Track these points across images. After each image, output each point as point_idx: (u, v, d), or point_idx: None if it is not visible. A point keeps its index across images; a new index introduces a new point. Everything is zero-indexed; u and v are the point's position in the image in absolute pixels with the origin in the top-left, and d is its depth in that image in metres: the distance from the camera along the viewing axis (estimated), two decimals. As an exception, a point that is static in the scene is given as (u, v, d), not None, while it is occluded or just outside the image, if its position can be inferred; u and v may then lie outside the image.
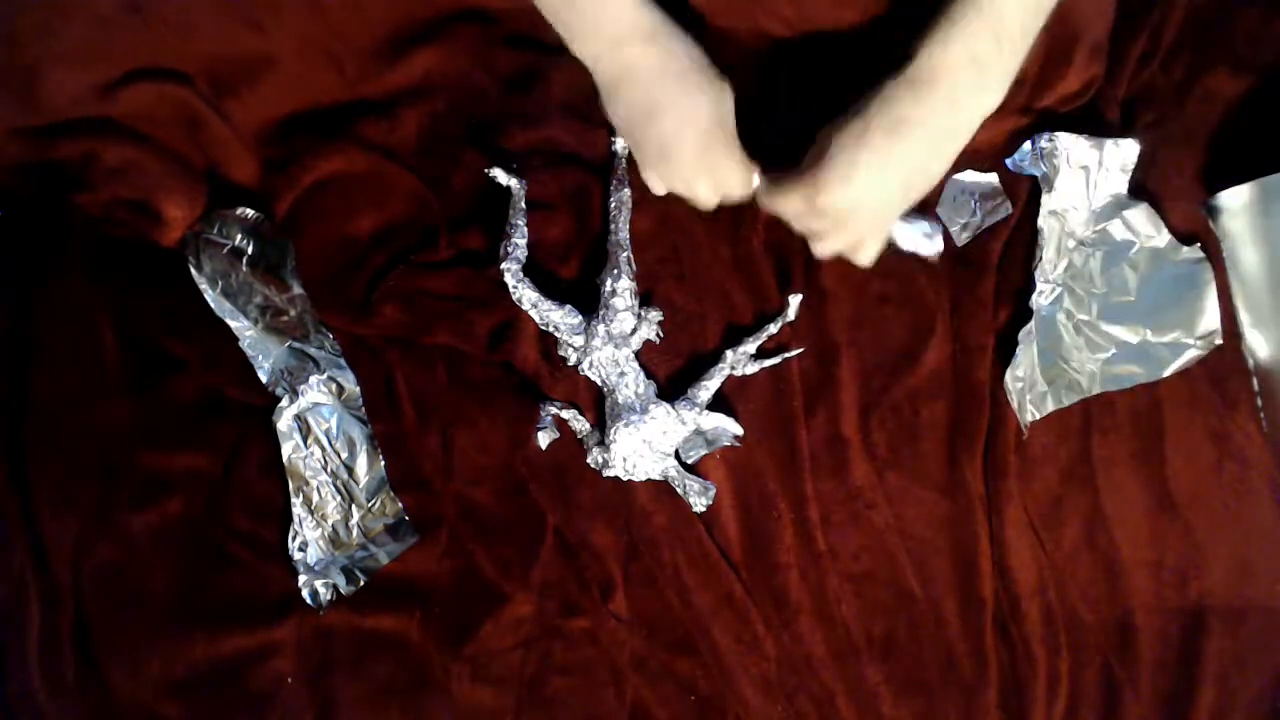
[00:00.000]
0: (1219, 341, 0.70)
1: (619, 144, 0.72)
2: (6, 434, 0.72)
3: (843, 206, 0.57)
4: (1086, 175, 0.71)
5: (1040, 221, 0.70)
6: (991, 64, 0.55)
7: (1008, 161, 0.72)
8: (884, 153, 0.55)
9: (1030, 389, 0.70)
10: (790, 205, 0.60)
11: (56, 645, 0.70)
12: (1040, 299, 0.70)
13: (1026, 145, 0.71)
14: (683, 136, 0.59)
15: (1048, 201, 0.71)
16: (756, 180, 0.63)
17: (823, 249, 0.62)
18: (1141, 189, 0.72)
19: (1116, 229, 0.71)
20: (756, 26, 0.69)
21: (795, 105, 0.68)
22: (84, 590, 0.71)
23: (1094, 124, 0.71)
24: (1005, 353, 0.70)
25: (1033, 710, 0.69)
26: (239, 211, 0.73)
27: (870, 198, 0.57)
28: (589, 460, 0.71)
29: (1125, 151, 0.70)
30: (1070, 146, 0.70)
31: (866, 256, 0.62)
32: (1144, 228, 0.71)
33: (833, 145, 0.56)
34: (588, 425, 0.71)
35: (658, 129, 0.59)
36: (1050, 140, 0.70)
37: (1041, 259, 0.70)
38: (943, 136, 0.57)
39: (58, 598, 0.71)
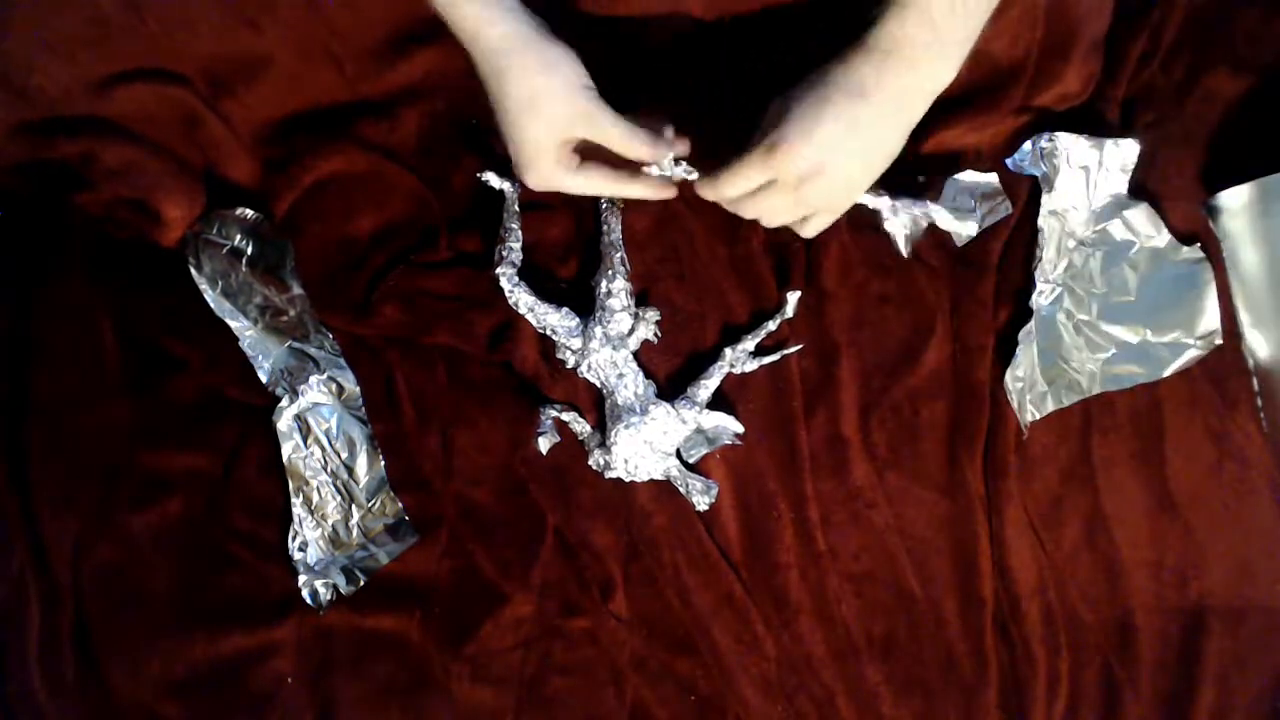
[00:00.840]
0: (1219, 342, 0.70)
1: None
2: (6, 434, 0.72)
3: (805, 168, 0.56)
4: (1086, 175, 0.71)
5: (1040, 221, 0.70)
6: (949, 32, 0.54)
7: (1008, 161, 0.72)
8: (847, 118, 0.55)
9: (1030, 389, 0.70)
10: (746, 177, 0.58)
11: (56, 645, 0.70)
12: (1040, 299, 0.70)
13: (1027, 145, 0.71)
14: (528, 127, 0.57)
15: (1048, 201, 0.71)
16: (684, 168, 0.62)
17: (774, 219, 0.61)
18: (1141, 189, 0.72)
19: (1116, 229, 0.71)
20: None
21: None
22: (84, 590, 0.71)
23: (1094, 124, 0.71)
24: (1005, 353, 0.70)
25: (1033, 710, 0.69)
26: (238, 212, 0.73)
27: (833, 161, 0.56)
28: (590, 462, 0.71)
29: (1125, 151, 0.70)
30: (1070, 146, 0.70)
31: (814, 228, 0.62)
32: (1144, 228, 0.71)
33: (792, 110, 0.56)
34: (588, 427, 0.71)
35: (504, 127, 0.58)
36: (1050, 140, 0.70)
37: (1041, 259, 0.70)
38: (902, 106, 0.57)
39: (58, 598, 0.71)
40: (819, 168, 0.56)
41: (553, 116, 0.57)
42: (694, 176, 0.62)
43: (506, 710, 0.70)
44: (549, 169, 0.59)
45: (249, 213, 0.73)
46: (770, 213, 0.61)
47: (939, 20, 0.54)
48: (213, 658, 0.70)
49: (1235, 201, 0.70)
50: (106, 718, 0.70)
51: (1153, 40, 0.73)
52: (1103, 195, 0.71)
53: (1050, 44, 0.69)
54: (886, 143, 0.58)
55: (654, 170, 0.62)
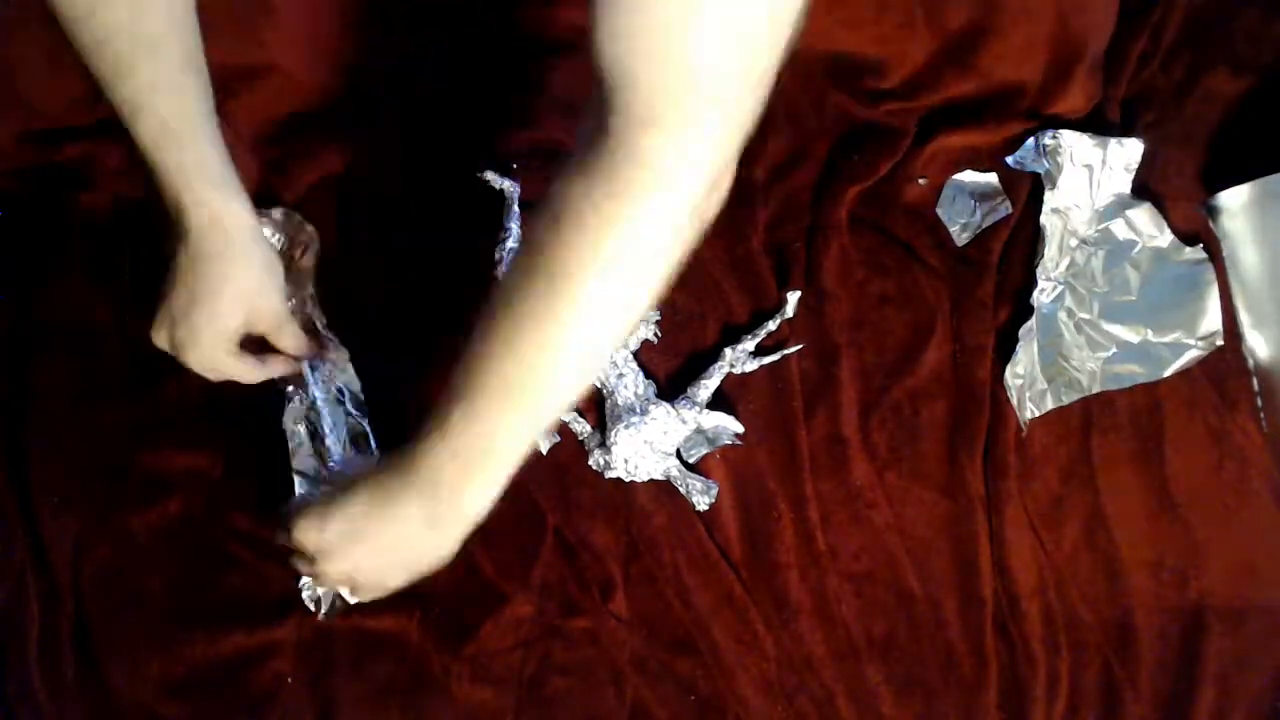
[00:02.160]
0: (1220, 343, 0.70)
1: None
2: (6, 434, 0.72)
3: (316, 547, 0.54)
4: (1090, 174, 0.71)
5: (1043, 219, 0.70)
6: (478, 470, 0.50)
7: (1009, 159, 0.72)
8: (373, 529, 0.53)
9: (1030, 386, 0.70)
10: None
11: (56, 645, 0.70)
12: (1041, 297, 0.70)
13: (1030, 142, 0.71)
14: (208, 316, 0.58)
15: (1050, 199, 0.71)
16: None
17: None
18: (1142, 189, 0.72)
19: (1119, 228, 0.71)
20: None
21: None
22: (84, 590, 0.71)
23: (1095, 124, 0.72)
24: (1005, 353, 0.71)
25: (1033, 710, 0.69)
26: (272, 213, 0.72)
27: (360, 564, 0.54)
28: (590, 462, 0.71)
29: (1129, 151, 0.70)
30: (1074, 144, 0.70)
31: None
32: (1147, 227, 0.71)
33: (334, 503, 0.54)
34: (588, 427, 0.71)
35: (178, 300, 0.58)
36: (1054, 137, 0.70)
37: (1043, 257, 0.70)
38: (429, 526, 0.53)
39: (58, 598, 0.71)
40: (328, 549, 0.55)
41: (233, 314, 0.58)
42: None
43: (506, 710, 0.70)
44: (212, 355, 0.59)
45: (279, 212, 0.72)
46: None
47: (467, 457, 0.50)
48: (213, 658, 0.70)
49: (1235, 201, 0.70)
50: (106, 718, 0.70)
51: (1153, 40, 0.73)
52: (1106, 194, 0.71)
53: (1055, 68, 0.69)
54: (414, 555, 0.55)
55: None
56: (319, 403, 0.68)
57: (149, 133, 0.54)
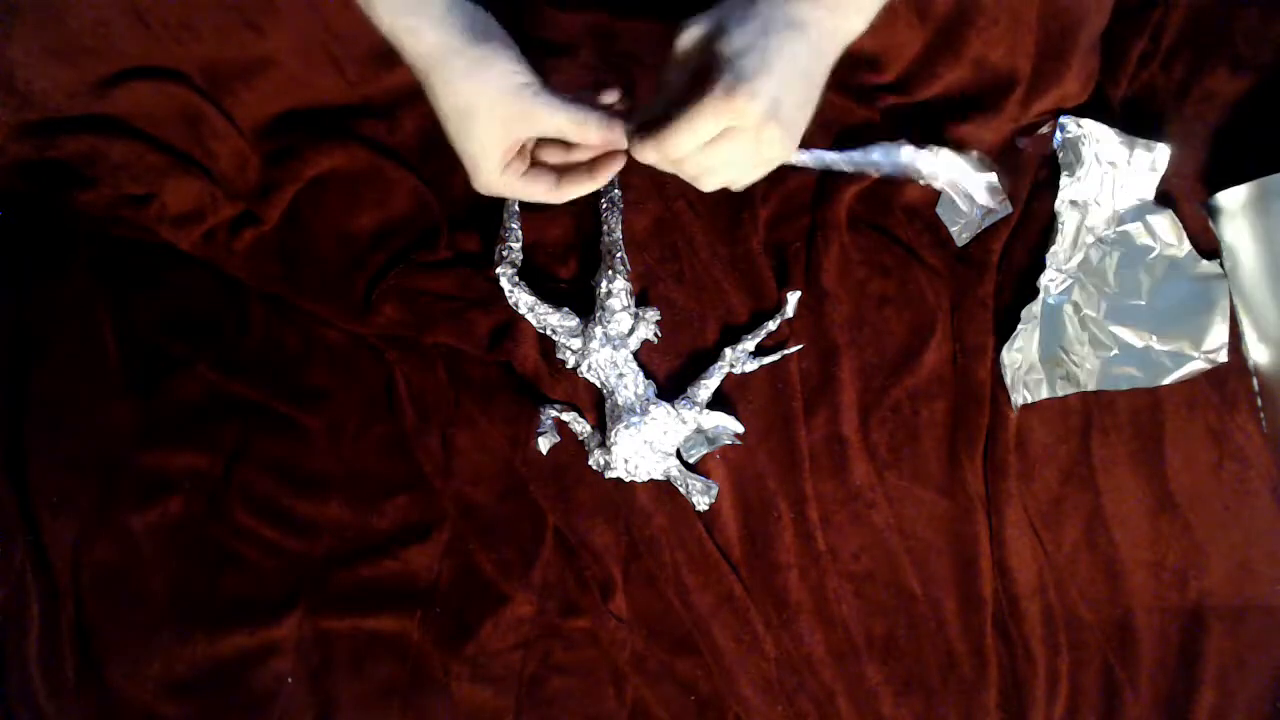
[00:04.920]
0: (1224, 359, 0.70)
1: None
2: (6, 434, 0.72)
3: (768, 109, 0.49)
4: (1113, 172, 0.71)
5: (1058, 206, 0.70)
6: None
7: (1020, 140, 0.72)
8: (789, 53, 0.49)
9: (1027, 372, 0.70)
10: (698, 126, 0.50)
11: (56, 645, 0.70)
12: (1050, 284, 0.70)
13: (1045, 127, 0.71)
14: (468, 137, 0.54)
15: (1068, 188, 0.70)
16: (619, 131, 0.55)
17: (729, 174, 0.54)
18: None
19: (1138, 232, 0.71)
20: None
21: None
22: (84, 590, 0.71)
23: (1121, 125, 0.71)
24: (1005, 352, 0.71)
25: (1033, 710, 0.69)
26: None
27: (787, 95, 0.50)
28: (590, 462, 0.71)
29: (1156, 155, 0.70)
30: (1099, 137, 0.70)
31: (748, 180, 0.55)
32: (1166, 235, 0.71)
33: (735, 43, 0.49)
34: (589, 427, 0.71)
35: (448, 138, 0.55)
36: (1079, 126, 0.70)
37: (1055, 244, 0.70)
38: (826, 48, 0.52)
39: (58, 598, 0.71)
40: (778, 107, 0.49)
41: (489, 123, 0.54)
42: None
43: (506, 710, 0.70)
44: (495, 177, 0.56)
45: None
46: (726, 167, 0.53)
47: None
48: (213, 658, 0.70)
49: (1235, 201, 0.70)
50: (106, 718, 0.70)
51: (1153, 40, 0.73)
52: (1128, 197, 0.71)
53: (1046, 49, 0.68)
54: (818, 86, 0.52)
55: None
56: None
57: None
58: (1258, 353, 0.71)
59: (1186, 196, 0.72)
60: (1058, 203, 0.70)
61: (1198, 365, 0.70)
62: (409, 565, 0.72)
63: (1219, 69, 0.73)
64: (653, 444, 0.68)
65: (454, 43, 0.54)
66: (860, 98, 0.73)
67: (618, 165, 0.58)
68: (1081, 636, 0.70)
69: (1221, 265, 0.71)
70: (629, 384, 0.69)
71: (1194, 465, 0.70)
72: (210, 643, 0.70)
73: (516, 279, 0.69)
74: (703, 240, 0.73)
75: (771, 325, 0.71)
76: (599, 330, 0.69)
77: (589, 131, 0.55)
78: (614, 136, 0.55)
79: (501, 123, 0.54)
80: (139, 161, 0.70)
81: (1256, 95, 0.72)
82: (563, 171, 0.58)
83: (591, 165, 0.58)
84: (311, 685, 0.71)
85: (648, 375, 0.71)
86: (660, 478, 0.70)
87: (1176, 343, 0.70)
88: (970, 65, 0.70)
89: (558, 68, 0.72)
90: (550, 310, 0.69)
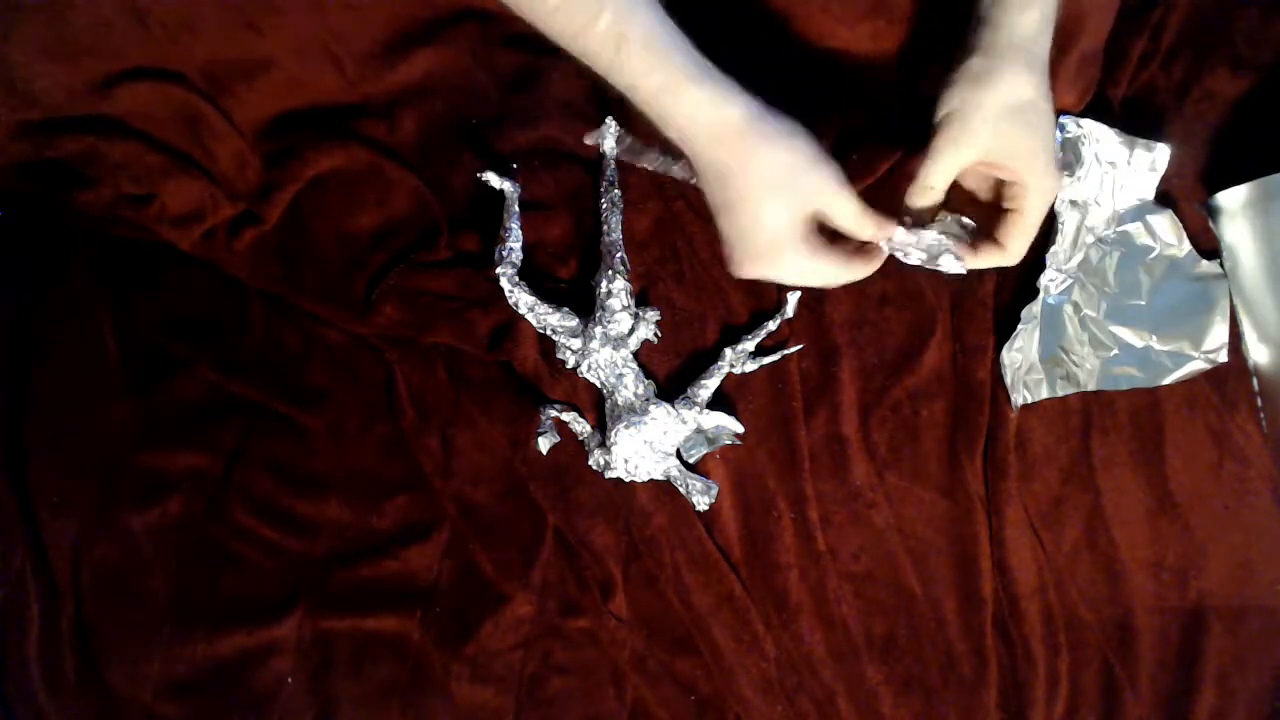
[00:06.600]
0: (1224, 359, 0.70)
1: (607, 144, 0.72)
2: (6, 434, 0.72)
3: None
4: (1113, 172, 0.71)
5: (1058, 206, 0.70)
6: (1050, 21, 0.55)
7: None
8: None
9: (1027, 371, 0.70)
10: (1036, 220, 0.57)
11: (56, 645, 0.70)
12: (1050, 284, 0.70)
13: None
14: (771, 209, 0.53)
15: (1068, 188, 0.70)
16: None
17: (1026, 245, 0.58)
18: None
19: (1138, 232, 0.71)
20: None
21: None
22: (84, 590, 0.71)
23: (1120, 125, 0.71)
24: (1005, 352, 0.70)
25: (1033, 710, 0.69)
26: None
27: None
28: (590, 462, 0.71)
29: (1156, 155, 0.70)
30: (1100, 137, 0.70)
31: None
32: (1166, 235, 0.71)
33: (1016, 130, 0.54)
34: (589, 427, 0.71)
35: (735, 214, 0.54)
36: (1079, 126, 0.70)
37: (1055, 244, 0.70)
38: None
39: (58, 598, 0.71)
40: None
41: (797, 193, 0.53)
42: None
43: (506, 710, 0.70)
44: (786, 254, 0.54)
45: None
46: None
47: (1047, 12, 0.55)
48: (213, 658, 0.70)
49: (1235, 201, 0.70)
50: (106, 717, 0.70)
51: (1153, 40, 0.73)
52: (1128, 197, 0.71)
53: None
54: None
55: (884, 245, 0.59)
56: None
57: (633, 62, 0.51)
58: (1258, 353, 0.71)
59: (1186, 196, 0.72)
60: (1058, 203, 0.70)
61: (1198, 365, 0.70)
62: (409, 565, 0.72)
63: (1219, 69, 0.73)
64: (653, 444, 0.68)
65: (761, 111, 0.52)
66: (858, 98, 0.73)
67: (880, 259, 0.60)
68: (1081, 636, 0.70)
69: (1221, 265, 0.71)
70: (629, 384, 0.69)
71: (1194, 465, 0.70)
72: (210, 643, 0.70)
73: (516, 279, 0.69)
74: (703, 240, 0.73)
75: (771, 325, 0.71)
76: (599, 330, 0.69)
77: (867, 226, 0.56)
78: (885, 234, 0.57)
79: (808, 194, 0.53)
80: (139, 162, 0.70)
81: (1256, 95, 0.72)
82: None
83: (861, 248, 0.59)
84: (311, 685, 0.71)
85: (648, 375, 0.71)
86: (660, 478, 0.70)
87: (1176, 343, 0.70)
88: None
89: (557, 67, 0.72)
90: (550, 310, 0.69)
